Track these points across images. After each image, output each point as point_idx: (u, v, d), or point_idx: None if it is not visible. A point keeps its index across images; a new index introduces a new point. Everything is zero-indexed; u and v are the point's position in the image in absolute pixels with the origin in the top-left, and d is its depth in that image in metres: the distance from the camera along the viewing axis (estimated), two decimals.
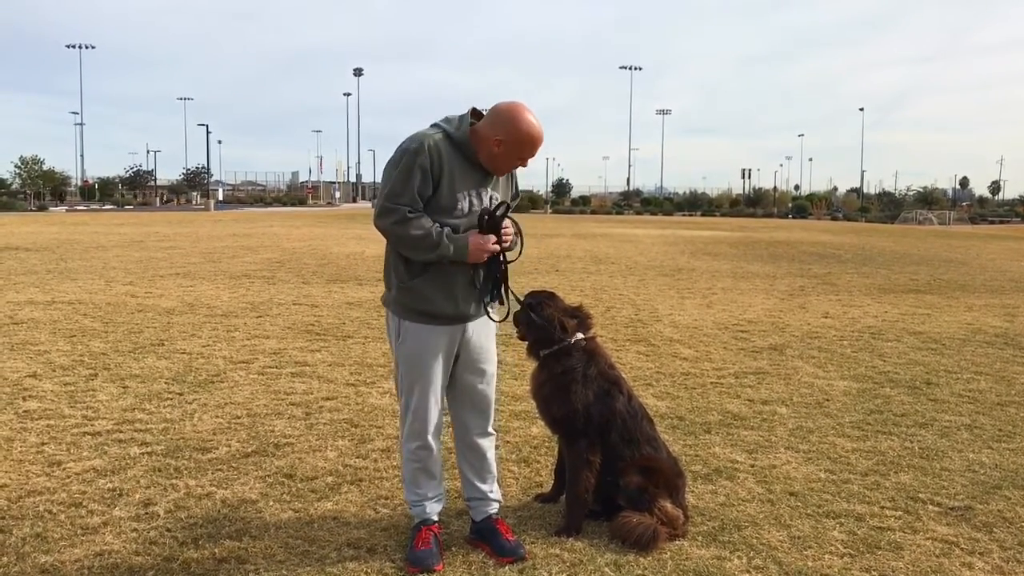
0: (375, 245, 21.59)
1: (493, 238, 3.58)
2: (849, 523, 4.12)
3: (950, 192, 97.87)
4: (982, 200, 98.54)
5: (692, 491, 4.50)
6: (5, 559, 3.61)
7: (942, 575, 3.58)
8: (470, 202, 3.57)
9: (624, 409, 3.99)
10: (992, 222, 63.74)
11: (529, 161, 3.62)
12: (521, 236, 3.79)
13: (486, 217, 3.57)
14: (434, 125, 3.59)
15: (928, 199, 75.56)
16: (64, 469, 4.71)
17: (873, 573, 3.59)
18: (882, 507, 4.33)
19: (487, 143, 3.51)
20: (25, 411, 5.81)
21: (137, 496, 4.33)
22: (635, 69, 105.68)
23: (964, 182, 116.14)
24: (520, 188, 3.98)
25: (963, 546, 3.88)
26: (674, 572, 3.56)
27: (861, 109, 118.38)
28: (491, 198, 3.65)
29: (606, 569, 3.59)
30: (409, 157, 3.44)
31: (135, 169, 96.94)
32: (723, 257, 21.41)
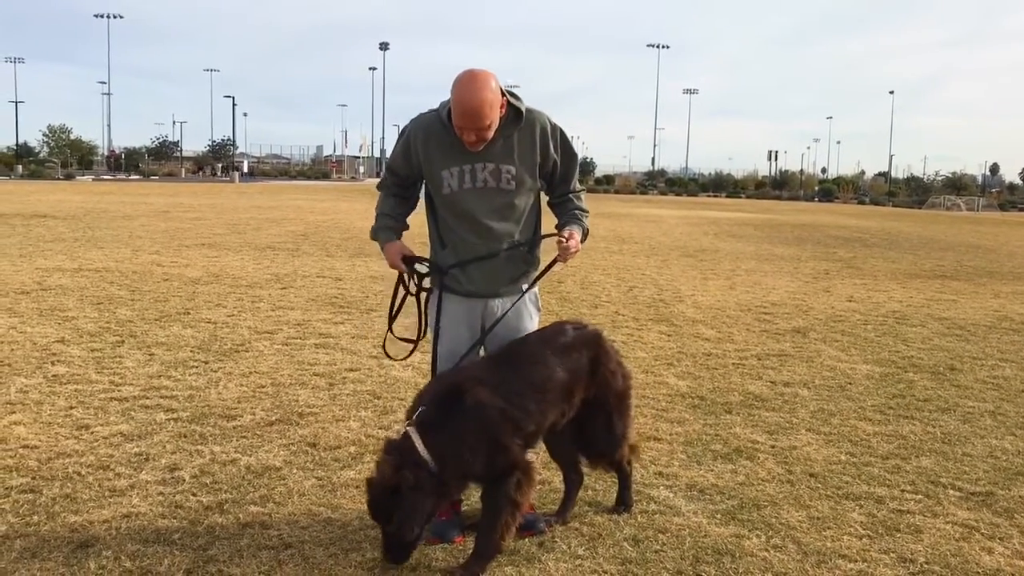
0: None
1: (402, 265, 3.74)
2: (869, 505, 4.12)
3: (980, 178, 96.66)
4: (1012, 187, 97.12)
5: (711, 470, 4.52)
6: (36, 518, 3.69)
7: (961, 559, 3.58)
8: (460, 179, 3.54)
9: (496, 405, 3.35)
10: (1022, 209, 62.90)
11: (467, 132, 3.40)
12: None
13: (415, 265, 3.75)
14: (441, 102, 3.61)
15: (957, 185, 74.88)
16: (92, 433, 4.79)
17: (892, 555, 3.60)
18: (902, 490, 4.33)
19: None
20: (54, 375, 5.91)
21: (163, 461, 4.40)
22: (662, 47, 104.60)
23: (994, 168, 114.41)
24: (570, 161, 3.75)
25: (983, 531, 3.87)
26: (692, 549, 3.59)
27: (891, 92, 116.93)
28: (498, 171, 3.54)
29: (624, 544, 3.62)
30: (399, 135, 3.73)
31: (161, 140, 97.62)
32: (747, 239, 21.30)
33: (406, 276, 3.78)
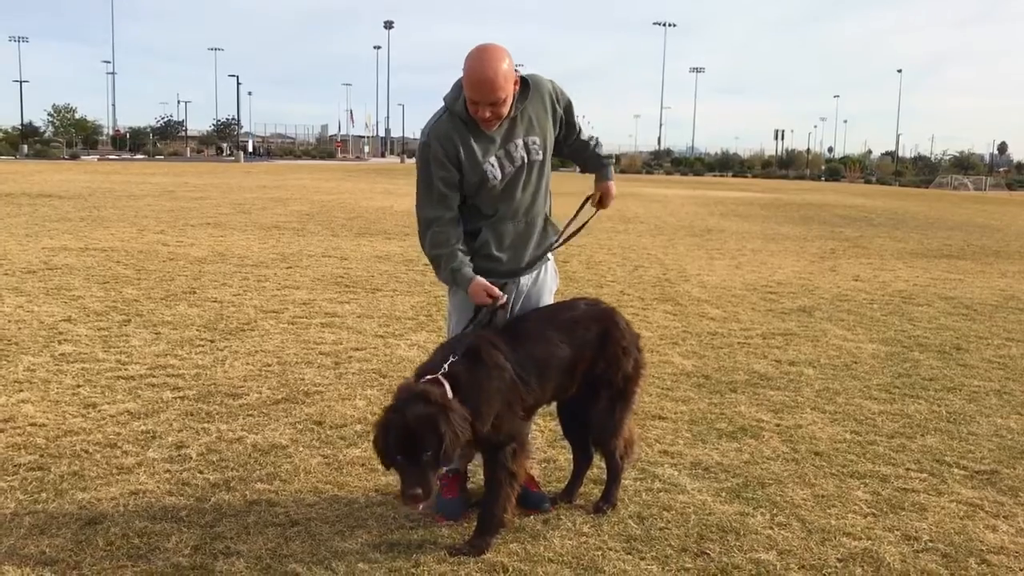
0: (403, 200, 21.62)
1: (489, 299, 3.49)
2: (873, 484, 4.13)
3: (987, 157, 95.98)
4: (1020, 166, 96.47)
5: (716, 448, 4.53)
6: (44, 495, 3.71)
7: (965, 537, 3.59)
8: (501, 165, 3.53)
9: (510, 370, 3.39)
10: None
11: (482, 108, 3.38)
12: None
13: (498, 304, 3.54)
14: (444, 99, 3.55)
15: (964, 164, 74.44)
16: (99, 411, 4.81)
17: (896, 533, 3.61)
18: (907, 469, 4.33)
19: None
20: (61, 354, 5.93)
21: (170, 439, 4.42)
22: (669, 25, 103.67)
23: (1002, 147, 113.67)
24: (571, 116, 3.76)
25: (988, 509, 3.88)
26: (697, 526, 3.60)
27: (899, 71, 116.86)
28: (526, 144, 3.56)
29: (629, 521, 3.63)
30: (422, 154, 3.54)
31: (166, 119, 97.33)
32: (753, 219, 21.24)
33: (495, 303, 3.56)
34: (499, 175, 3.53)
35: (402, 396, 3.19)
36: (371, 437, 3.29)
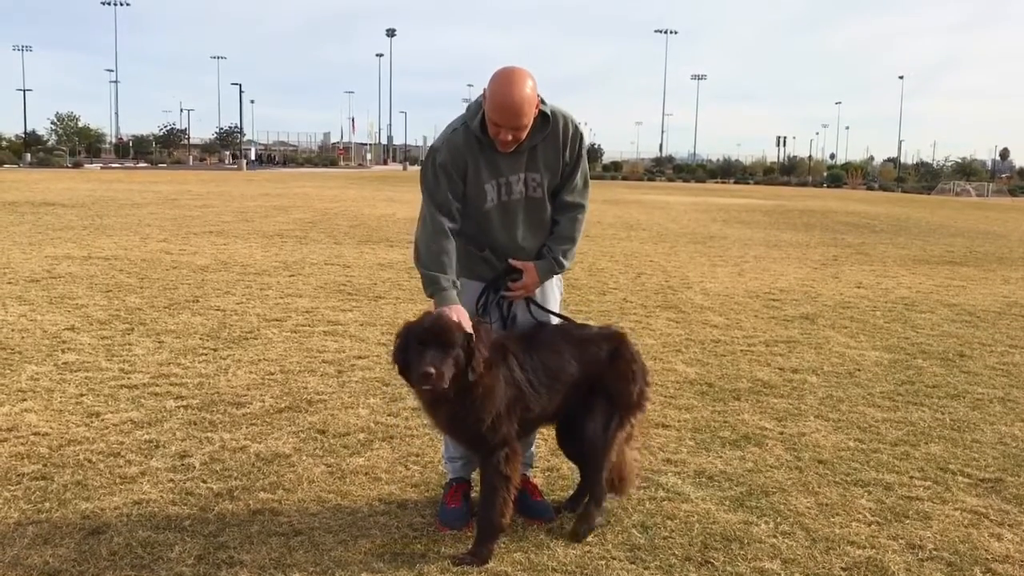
0: (406, 207, 21.63)
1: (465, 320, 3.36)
2: (877, 492, 4.12)
3: (989, 163, 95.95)
4: (1022, 172, 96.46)
5: (720, 457, 4.52)
6: (47, 504, 3.71)
7: (970, 545, 3.58)
8: (500, 191, 3.56)
9: (522, 376, 3.42)
10: None
11: (503, 131, 3.38)
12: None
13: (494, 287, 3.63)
14: (465, 111, 3.57)
15: (966, 170, 74.53)
16: (103, 420, 4.81)
17: (900, 542, 3.60)
18: (911, 477, 4.32)
19: None
20: (64, 363, 5.94)
21: (173, 448, 4.42)
22: (670, 33, 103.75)
23: (1004, 153, 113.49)
24: (575, 165, 3.66)
25: (992, 517, 3.87)
26: (701, 535, 3.59)
27: (901, 77, 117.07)
28: (526, 180, 3.57)
29: (633, 530, 3.62)
30: (430, 160, 3.57)
31: (169, 127, 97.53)
32: (756, 225, 21.23)
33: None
34: (495, 199, 3.57)
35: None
36: (393, 344, 3.32)
